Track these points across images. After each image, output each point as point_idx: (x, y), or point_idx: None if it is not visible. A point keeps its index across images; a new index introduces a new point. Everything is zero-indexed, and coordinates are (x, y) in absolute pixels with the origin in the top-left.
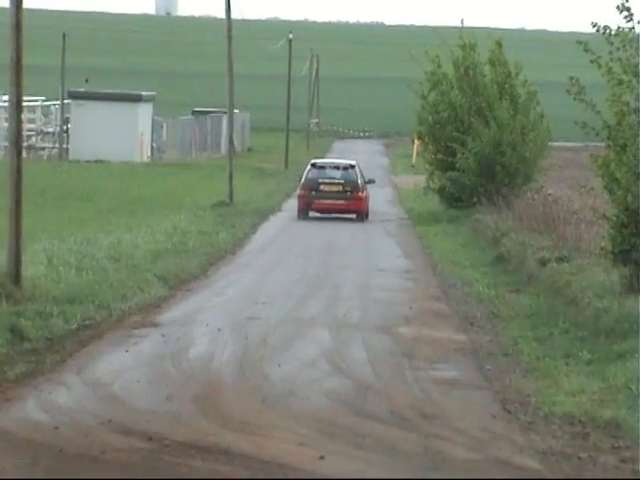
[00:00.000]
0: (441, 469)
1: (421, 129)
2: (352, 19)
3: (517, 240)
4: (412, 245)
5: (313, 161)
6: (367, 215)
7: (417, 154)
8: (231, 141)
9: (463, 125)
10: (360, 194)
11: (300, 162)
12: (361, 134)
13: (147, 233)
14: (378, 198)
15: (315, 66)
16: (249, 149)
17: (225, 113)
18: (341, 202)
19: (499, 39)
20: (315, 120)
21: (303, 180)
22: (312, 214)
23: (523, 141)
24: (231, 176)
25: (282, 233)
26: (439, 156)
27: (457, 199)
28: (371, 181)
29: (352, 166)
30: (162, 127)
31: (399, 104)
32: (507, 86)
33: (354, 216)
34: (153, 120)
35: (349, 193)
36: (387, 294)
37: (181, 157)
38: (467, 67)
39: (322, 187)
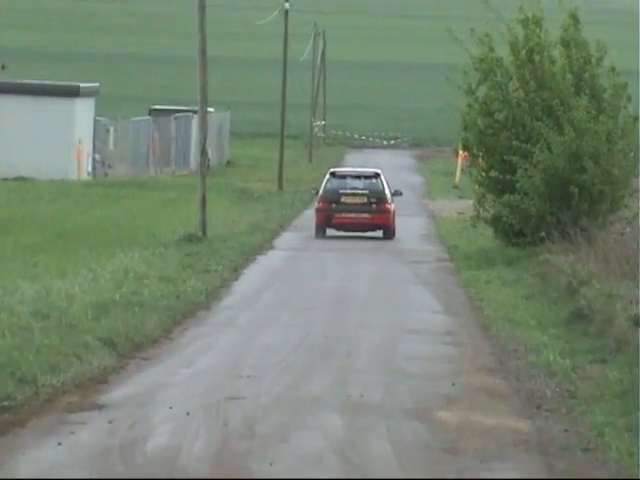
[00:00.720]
0: None
1: (467, 136)
2: None
3: (602, 290)
4: (455, 297)
5: (332, 170)
6: (394, 232)
7: (462, 171)
8: (204, 152)
9: (526, 130)
10: (387, 206)
11: (300, 181)
12: (384, 142)
13: (87, 279)
14: (408, 231)
15: (320, 48)
16: (229, 163)
17: (195, 113)
18: (365, 216)
19: (574, 11)
20: (320, 122)
21: (321, 192)
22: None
23: (610, 152)
24: (204, 200)
25: (275, 279)
26: (493, 173)
27: (518, 233)
28: (398, 193)
29: (377, 175)
30: (108, 132)
31: (436, 101)
32: (586, 76)
33: (380, 233)
34: (96, 122)
35: (374, 205)
36: (420, 365)
37: (135, 174)
38: (531, 50)
39: (344, 199)
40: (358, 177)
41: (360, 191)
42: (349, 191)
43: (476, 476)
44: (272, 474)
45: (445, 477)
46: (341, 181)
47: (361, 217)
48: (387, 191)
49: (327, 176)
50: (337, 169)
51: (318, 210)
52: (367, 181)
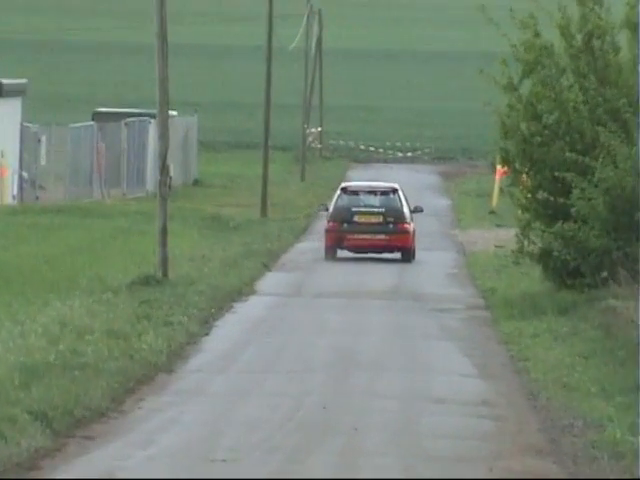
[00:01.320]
0: None
1: (508, 146)
2: None
3: None
4: (492, 355)
5: (344, 185)
6: (414, 254)
7: (501, 191)
8: (164, 168)
9: (584, 139)
10: (406, 226)
11: (289, 205)
12: (399, 154)
13: (13, 335)
14: (431, 270)
15: (315, 33)
16: (197, 182)
17: (153, 117)
18: (382, 237)
19: None
20: (316, 130)
21: (331, 209)
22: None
23: None
24: (165, 231)
25: (258, 333)
26: (541, 195)
27: (574, 272)
28: (418, 209)
29: (394, 190)
30: (40, 142)
31: (466, 101)
32: None
33: (398, 255)
34: (23, 130)
35: (392, 225)
36: (449, 445)
37: (74, 197)
38: (589, 34)
39: (357, 218)
40: (373, 193)
41: (376, 209)
42: (363, 209)
43: None
44: None
45: None
46: (354, 198)
47: (376, 238)
48: (406, 209)
49: (338, 192)
50: (349, 183)
51: (328, 231)
52: (383, 197)
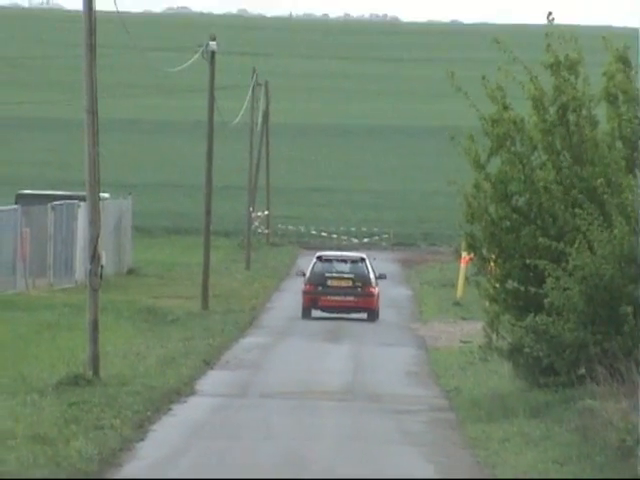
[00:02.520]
0: None
1: (474, 231)
2: (327, 11)
3: None
4: (458, 462)
5: (319, 254)
6: (378, 315)
7: (467, 281)
8: (95, 256)
9: (557, 223)
10: (372, 290)
11: (233, 297)
12: (354, 241)
13: None
14: (390, 367)
15: (262, 106)
16: (131, 271)
17: (83, 200)
18: (351, 299)
19: (624, 51)
20: (262, 213)
21: (308, 274)
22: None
23: None
24: (96, 326)
25: (198, 438)
26: (511, 284)
27: (548, 370)
28: (382, 276)
29: (362, 259)
30: None
31: (427, 182)
32: None
33: (365, 316)
34: None
35: (359, 289)
36: None
37: None
38: (564, 107)
39: (329, 282)
40: (344, 261)
41: (346, 275)
42: (335, 275)
43: None
44: None
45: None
46: (327, 264)
47: (346, 300)
48: (372, 275)
49: (314, 260)
50: (323, 253)
51: (305, 292)
52: (352, 265)
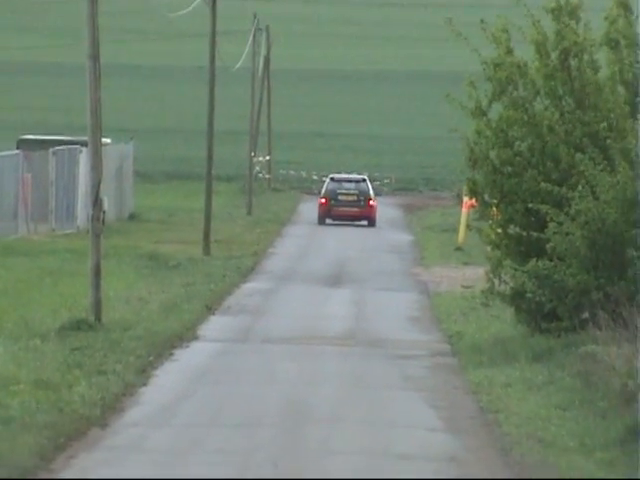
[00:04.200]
0: None
1: (476, 177)
2: None
3: None
4: (460, 407)
5: (331, 175)
6: (375, 222)
7: (468, 226)
8: (97, 201)
9: (560, 167)
10: (372, 202)
11: (235, 242)
12: None
13: None
14: (392, 312)
15: (263, 51)
16: (133, 217)
17: (85, 145)
18: (355, 209)
19: None
20: (264, 158)
21: (323, 191)
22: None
23: None
24: (98, 271)
25: (201, 383)
26: (513, 230)
27: (550, 315)
28: (378, 193)
29: (364, 179)
30: None
31: (430, 126)
32: None
33: (365, 223)
34: None
35: (362, 202)
36: None
37: None
38: (565, 52)
39: (340, 197)
40: (350, 181)
41: (352, 191)
42: (344, 191)
43: None
44: None
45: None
46: (337, 184)
47: (352, 210)
48: (371, 191)
49: (327, 179)
50: (335, 175)
51: (321, 205)
52: (356, 184)
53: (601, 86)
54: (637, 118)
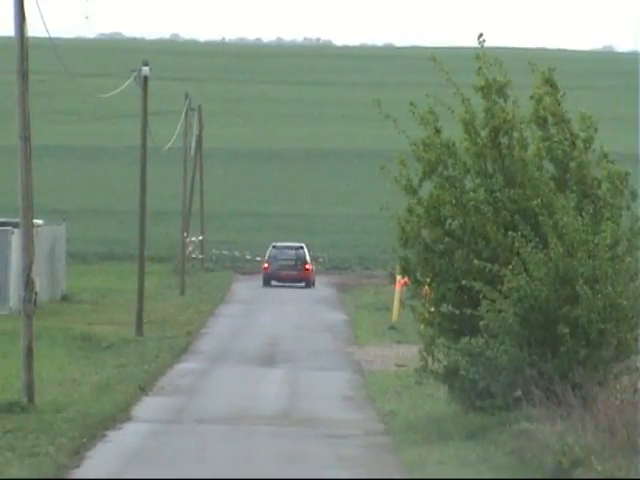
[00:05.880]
0: None
1: (408, 255)
2: (260, 35)
3: (604, 473)
4: None
5: (274, 243)
6: (314, 283)
7: (401, 304)
8: (29, 283)
9: (491, 245)
10: (308, 266)
11: (168, 322)
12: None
13: None
14: (325, 392)
15: (195, 131)
16: (65, 298)
17: (16, 226)
18: (295, 273)
19: (549, 73)
20: (197, 238)
21: (267, 257)
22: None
23: (615, 274)
24: (30, 353)
25: (134, 465)
26: (445, 308)
27: (483, 392)
28: (314, 258)
29: (302, 247)
30: None
31: (361, 206)
32: (573, 165)
33: (303, 285)
34: None
35: (299, 266)
36: None
37: None
38: (496, 129)
39: (281, 262)
40: (289, 248)
41: (291, 257)
42: (285, 257)
43: None
44: None
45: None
46: (279, 251)
47: (292, 273)
48: (307, 257)
49: (270, 248)
50: (277, 243)
51: (264, 269)
52: (295, 251)
53: (528, 163)
54: (566, 195)
